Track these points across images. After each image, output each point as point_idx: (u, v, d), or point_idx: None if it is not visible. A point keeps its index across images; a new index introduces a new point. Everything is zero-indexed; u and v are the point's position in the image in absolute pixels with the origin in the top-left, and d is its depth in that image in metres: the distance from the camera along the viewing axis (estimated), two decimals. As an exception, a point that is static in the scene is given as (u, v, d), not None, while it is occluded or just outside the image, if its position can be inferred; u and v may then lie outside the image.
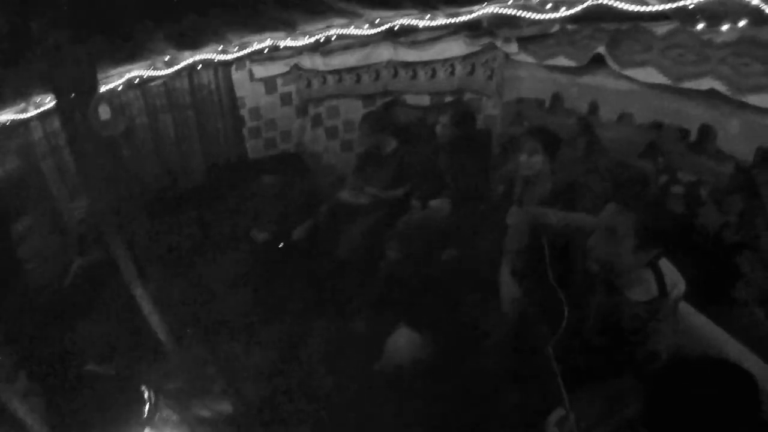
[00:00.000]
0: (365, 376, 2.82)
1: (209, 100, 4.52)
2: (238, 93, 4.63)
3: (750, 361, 2.08)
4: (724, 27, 2.16)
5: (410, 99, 4.34)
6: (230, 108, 4.62)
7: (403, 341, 2.87)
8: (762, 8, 1.77)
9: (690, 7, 2.07)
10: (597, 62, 3.06)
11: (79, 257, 3.91)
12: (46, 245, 3.89)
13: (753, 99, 2.19)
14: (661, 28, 2.61)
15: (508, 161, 3.96)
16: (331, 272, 3.75)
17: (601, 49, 2.95)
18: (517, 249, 2.51)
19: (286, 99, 4.74)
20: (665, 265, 1.89)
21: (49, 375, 2.55)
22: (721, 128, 2.48)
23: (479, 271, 2.91)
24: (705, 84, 2.41)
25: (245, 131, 4.77)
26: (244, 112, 4.71)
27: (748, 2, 1.78)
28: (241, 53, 3.98)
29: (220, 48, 3.87)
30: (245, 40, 3.71)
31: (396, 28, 3.62)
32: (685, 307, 2.32)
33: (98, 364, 2.74)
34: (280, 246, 3.80)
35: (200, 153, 4.71)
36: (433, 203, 3.67)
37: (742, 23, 2.10)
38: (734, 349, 2.15)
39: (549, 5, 2.87)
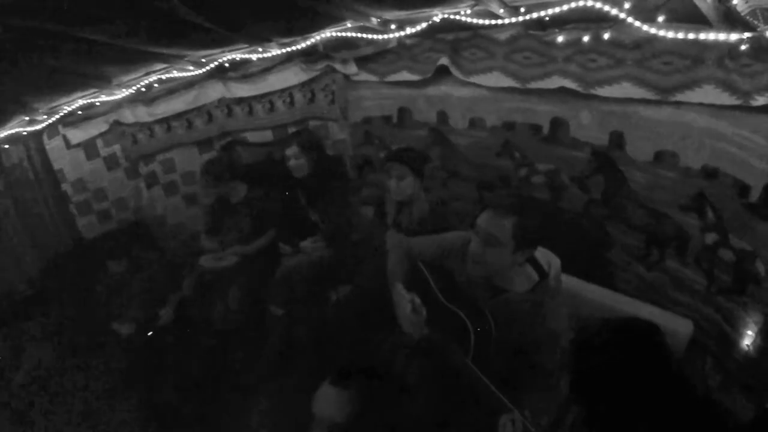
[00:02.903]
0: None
1: (25, 180, 3.70)
2: (56, 165, 3.81)
3: (645, 311, 2.24)
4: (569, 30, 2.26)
5: (251, 137, 3.88)
6: (50, 185, 3.83)
7: (326, 400, 2.53)
8: (616, 14, 1.84)
9: (546, 19, 2.11)
10: (441, 72, 3.03)
11: None
12: None
13: (602, 91, 2.32)
14: (503, 34, 2.65)
15: (366, 183, 3.84)
16: (216, 349, 3.20)
17: (444, 60, 2.92)
18: (398, 268, 2.31)
19: (111, 161, 3.98)
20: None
21: None
22: (572, 119, 2.61)
23: (376, 304, 2.68)
24: (554, 83, 2.51)
25: (73, 208, 3.94)
26: (66, 187, 3.89)
27: (608, 11, 1.84)
28: (52, 119, 3.11)
29: (26, 118, 2.96)
30: (53, 104, 2.85)
31: (225, 64, 3.13)
32: (576, 283, 2.45)
33: None
34: (150, 335, 3.11)
35: (29, 246, 3.86)
36: (305, 244, 3.27)
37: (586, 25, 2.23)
38: (630, 307, 2.32)
39: (393, 26, 2.74)
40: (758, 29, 1.53)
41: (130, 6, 2.03)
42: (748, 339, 2.06)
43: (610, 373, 1.87)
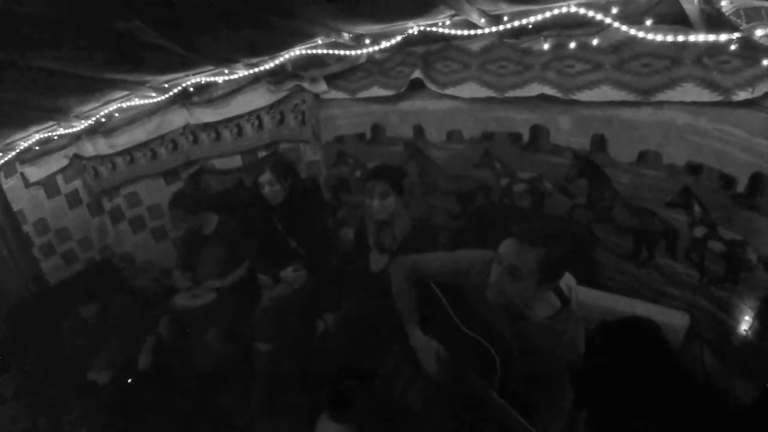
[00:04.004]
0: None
1: (-18, 225, 3.35)
2: (16, 206, 3.64)
3: (641, 308, 2.28)
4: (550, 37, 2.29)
5: (219, 164, 3.72)
6: (11, 228, 3.64)
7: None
8: (601, 19, 1.88)
9: (529, 27, 2.13)
10: (414, 86, 3.00)
11: None
12: None
13: (582, 96, 2.35)
14: (476, 44, 2.65)
15: (342, 204, 3.74)
16: (200, 392, 2.99)
17: (418, 73, 2.90)
18: (409, 306, 2.18)
19: (73, 199, 3.78)
20: None
21: None
22: (552, 126, 2.64)
23: (366, 331, 2.58)
24: (533, 90, 2.52)
25: (36, 252, 3.76)
26: (28, 228, 3.73)
27: (592, 17, 1.87)
28: (8, 157, 2.98)
29: (-22, 157, 2.74)
30: (8, 140, 2.63)
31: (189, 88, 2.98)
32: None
33: None
34: (129, 381, 2.91)
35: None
36: (285, 274, 3.07)
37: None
38: (626, 306, 2.34)
39: (366, 40, 2.70)
40: (741, 28, 1.59)
41: (86, 28, 1.87)
42: (745, 324, 2.11)
43: (611, 373, 1.86)
